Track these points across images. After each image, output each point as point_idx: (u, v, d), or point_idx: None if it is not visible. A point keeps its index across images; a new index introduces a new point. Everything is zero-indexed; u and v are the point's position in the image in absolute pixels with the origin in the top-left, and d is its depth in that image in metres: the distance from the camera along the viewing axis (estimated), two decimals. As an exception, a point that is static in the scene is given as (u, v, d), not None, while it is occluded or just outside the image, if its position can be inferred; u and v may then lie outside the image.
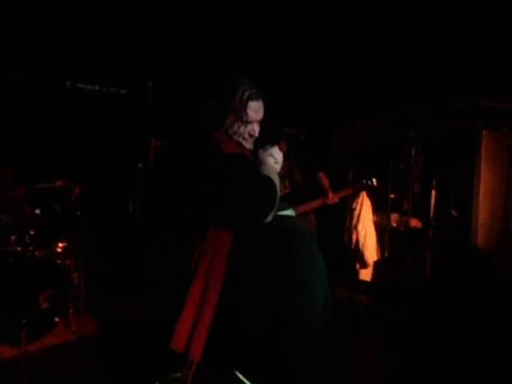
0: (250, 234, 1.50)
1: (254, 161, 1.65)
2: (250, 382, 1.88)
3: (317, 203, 3.81)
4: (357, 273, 4.79)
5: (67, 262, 3.52)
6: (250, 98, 1.58)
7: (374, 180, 3.89)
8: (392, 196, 4.60)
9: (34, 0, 4.02)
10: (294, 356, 1.43)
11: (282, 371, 1.44)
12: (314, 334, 1.44)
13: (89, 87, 5.01)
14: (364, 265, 4.67)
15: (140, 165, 3.86)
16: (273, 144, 1.74)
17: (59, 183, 3.48)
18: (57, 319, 3.28)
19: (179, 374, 1.83)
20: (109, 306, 3.95)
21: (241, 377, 1.90)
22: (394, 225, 4.75)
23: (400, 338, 3.57)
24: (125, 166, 4.34)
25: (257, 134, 1.65)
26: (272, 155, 1.67)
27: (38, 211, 3.46)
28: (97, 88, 5.06)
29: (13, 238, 3.39)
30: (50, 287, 3.23)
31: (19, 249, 3.33)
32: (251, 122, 1.61)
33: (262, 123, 1.68)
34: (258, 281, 1.45)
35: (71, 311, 3.41)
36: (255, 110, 1.61)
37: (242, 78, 1.62)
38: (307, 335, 1.42)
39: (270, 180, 1.49)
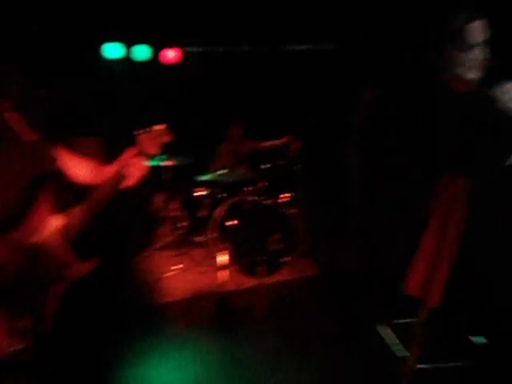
0: (489, 180, 1.38)
1: (488, 98, 1.48)
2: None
3: None
4: None
5: (291, 210, 3.94)
6: (467, 22, 1.44)
7: None
8: None
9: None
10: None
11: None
12: None
13: (301, 47, 5.30)
14: None
15: (351, 117, 3.91)
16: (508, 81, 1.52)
17: (283, 140, 3.86)
18: (285, 260, 3.76)
19: (409, 320, 1.87)
20: (329, 253, 4.27)
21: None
22: None
23: None
24: (339, 120, 4.45)
25: (481, 61, 1.48)
26: (508, 92, 1.47)
27: (265, 165, 3.94)
28: (308, 46, 5.30)
29: (247, 188, 4.00)
30: (278, 232, 3.70)
31: (252, 198, 3.91)
32: (473, 47, 1.46)
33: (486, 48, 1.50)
34: (501, 230, 1.33)
35: (296, 254, 3.84)
36: (475, 32, 1.45)
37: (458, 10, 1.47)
38: None
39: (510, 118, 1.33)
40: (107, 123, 4.66)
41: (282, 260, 3.75)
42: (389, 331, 2.64)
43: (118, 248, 4.18)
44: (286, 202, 3.94)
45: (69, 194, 1.35)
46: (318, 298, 3.45)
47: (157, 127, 1.59)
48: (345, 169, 4.04)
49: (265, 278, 3.60)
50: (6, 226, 1.06)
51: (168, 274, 3.80)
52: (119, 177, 1.47)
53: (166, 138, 1.61)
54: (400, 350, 2.43)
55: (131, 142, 1.60)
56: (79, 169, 1.52)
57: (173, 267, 3.92)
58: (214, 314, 3.29)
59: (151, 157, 1.57)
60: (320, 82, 5.20)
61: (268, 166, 3.94)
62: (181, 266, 3.97)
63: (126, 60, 5.03)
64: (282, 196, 3.95)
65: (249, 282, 3.61)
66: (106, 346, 2.67)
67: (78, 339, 2.39)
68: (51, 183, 1.23)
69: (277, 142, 3.83)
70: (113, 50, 4.93)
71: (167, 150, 1.65)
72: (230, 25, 5.01)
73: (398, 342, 2.51)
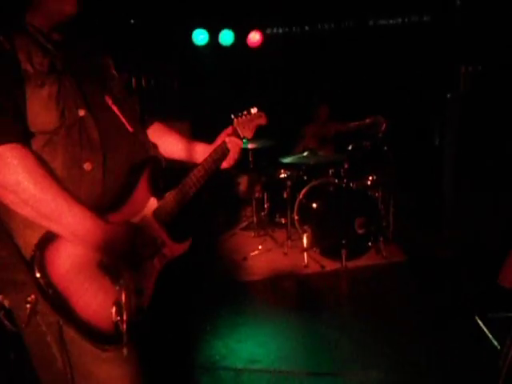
0: None
1: None
2: None
3: None
4: None
5: (376, 194, 3.81)
6: None
7: None
8: None
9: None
10: None
11: None
12: None
13: (391, 21, 4.97)
14: None
15: (448, 95, 3.62)
16: None
17: (368, 120, 3.71)
18: (369, 244, 3.66)
19: (506, 314, 1.74)
20: (415, 238, 4.08)
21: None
22: None
23: None
24: (431, 97, 4.16)
25: None
26: None
27: (350, 147, 3.83)
28: (399, 20, 4.96)
29: (330, 171, 3.94)
30: (363, 215, 3.61)
31: (336, 180, 3.84)
32: None
33: None
34: None
35: (381, 239, 3.73)
36: None
37: None
38: None
39: None
40: (196, 108, 4.86)
41: (366, 244, 3.66)
42: (483, 323, 2.47)
43: (205, 226, 4.40)
44: (372, 184, 3.81)
45: (165, 177, 1.42)
46: (404, 285, 3.33)
47: (253, 110, 1.59)
48: (438, 151, 3.79)
49: (348, 261, 3.55)
50: (107, 210, 1.14)
51: (252, 254, 3.92)
52: (222, 152, 1.48)
53: (262, 122, 1.61)
54: (495, 343, 2.27)
55: (218, 124, 1.63)
56: (175, 146, 1.56)
57: (256, 247, 4.03)
58: (296, 295, 3.34)
59: (245, 140, 1.59)
60: (412, 58, 4.87)
61: (353, 147, 3.83)
62: (264, 246, 4.07)
63: (212, 45, 5.17)
64: (367, 178, 3.82)
65: (331, 265, 3.60)
66: (194, 319, 2.86)
67: (170, 313, 2.58)
68: (149, 168, 1.29)
69: (363, 122, 3.69)
70: (199, 36, 5.09)
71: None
72: (312, 2, 4.88)
73: (492, 335, 2.35)
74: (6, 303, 1.13)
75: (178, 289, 2.89)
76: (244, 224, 4.76)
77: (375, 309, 2.94)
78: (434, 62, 4.47)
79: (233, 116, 1.57)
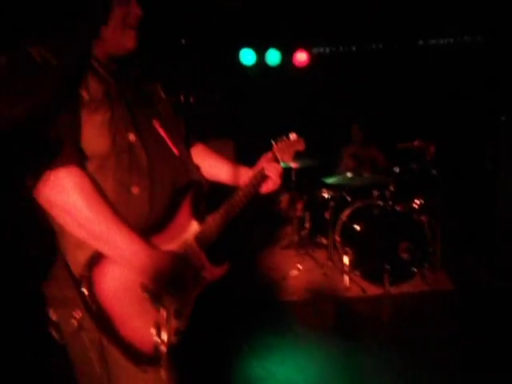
0: None
1: None
2: None
3: None
4: None
5: (423, 218, 3.67)
6: None
7: None
8: None
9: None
10: None
11: None
12: None
13: (441, 41, 4.85)
14: None
15: (503, 118, 3.46)
16: None
17: (416, 143, 3.60)
18: (414, 270, 3.52)
19: None
20: (464, 266, 3.88)
21: None
22: None
23: None
24: (483, 120, 3.99)
25: None
26: None
27: (396, 169, 3.74)
28: (450, 41, 4.83)
29: (375, 192, 3.85)
30: (407, 239, 3.48)
31: (381, 203, 3.74)
32: None
33: None
34: None
35: (427, 265, 3.57)
36: None
37: None
38: None
39: None
40: (240, 126, 4.93)
41: (411, 270, 3.53)
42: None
43: (245, 244, 4.42)
44: (418, 208, 3.68)
45: (207, 200, 1.44)
46: (451, 317, 3.16)
47: (292, 136, 1.61)
48: (491, 175, 3.61)
49: (391, 287, 3.43)
50: (150, 232, 1.17)
51: (291, 273, 3.88)
52: (261, 178, 1.50)
53: (300, 147, 1.63)
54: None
55: (263, 144, 1.65)
56: (218, 168, 1.59)
57: (296, 266, 3.99)
58: (336, 318, 3.26)
59: (285, 164, 1.60)
60: (464, 79, 4.71)
61: (400, 169, 3.73)
62: (304, 266, 4.02)
63: (259, 64, 5.26)
64: (413, 202, 3.70)
65: (373, 290, 3.49)
66: (232, 339, 2.85)
67: (207, 332, 2.59)
68: (192, 191, 1.31)
69: (411, 144, 3.59)
70: (247, 56, 5.20)
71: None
72: (358, 21, 4.86)
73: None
74: (54, 317, 1.18)
75: (216, 307, 2.91)
76: (284, 242, 4.74)
77: (418, 339, 2.80)
78: (487, 83, 4.29)
79: (272, 141, 1.60)
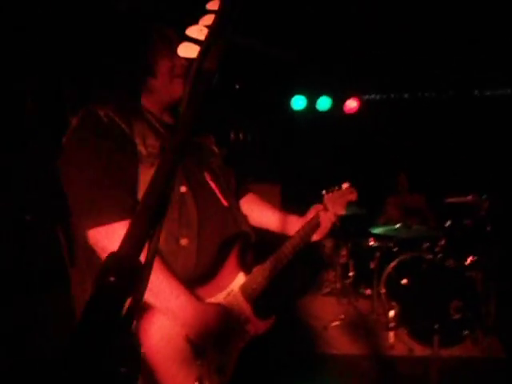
0: None
1: None
2: None
3: None
4: None
5: (476, 275, 3.46)
6: None
7: None
8: None
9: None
10: None
11: None
12: None
13: (499, 92, 4.73)
14: None
15: None
16: None
17: (469, 198, 3.46)
18: (466, 332, 3.29)
19: None
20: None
21: None
22: None
23: None
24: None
25: None
26: None
27: (448, 223, 3.59)
28: (507, 91, 4.70)
29: (425, 245, 3.70)
30: (459, 298, 3.28)
31: (430, 256, 3.58)
32: None
33: None
34: None
35: (479, 328, 3.33)
36: None
37: None
38: None
39: None
40: (288, 171, 4.99)
41: (462, 332, 3.29)
42: None
43: (285, 288, 4.34)
44: (471, 265, 3.48)
45: (254, 251, 1.43)
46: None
47: (344, 186, 1.59)
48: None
49: (440, 349, 3.21)
50: (195, 284, 1.17)
51: (333, 324, 3.75)
52: (312, 229, 1.48)
53: (352, 198, 1.60)
54: None
55: (312, 192, 1.62)
56: (267, 217, 1.60)
57: (338, 317, 3.85)
58: (378, 378, 3.08)
59: (338, 216, 1.56)
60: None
61: (452, 223, 3.58)
62: (346, 316, 3.87)
63: (310, 110, 5.35)
64: (466, 258, 3.51)
65: (421, 350, 3.27)
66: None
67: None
68: (240, 243, 1.31)
69: (464, 198, 3.45)
70: (298, 102, 5.31)
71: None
72: (412, 68, 4.85)
73: None
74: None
75: (254, 356, 2.84)
76: (326, 289, 4.61)
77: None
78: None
79: (324, 191, 1.58)
